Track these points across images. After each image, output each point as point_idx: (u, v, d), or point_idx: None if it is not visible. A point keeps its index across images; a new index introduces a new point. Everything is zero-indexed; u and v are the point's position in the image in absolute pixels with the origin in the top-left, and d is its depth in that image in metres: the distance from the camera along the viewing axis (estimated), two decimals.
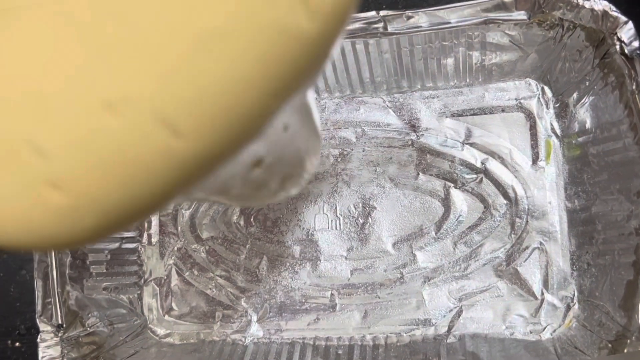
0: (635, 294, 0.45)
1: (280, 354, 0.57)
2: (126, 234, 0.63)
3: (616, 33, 0.47)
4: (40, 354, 0.53)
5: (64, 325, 0.54)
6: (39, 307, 0.54)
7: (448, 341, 0.55)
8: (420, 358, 0.54)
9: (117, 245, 0.63)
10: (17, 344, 0.65)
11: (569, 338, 0.52)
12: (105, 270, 0.61)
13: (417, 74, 0.58)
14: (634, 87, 0.45)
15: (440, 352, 0.54)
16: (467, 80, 0.58)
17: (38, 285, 0.54)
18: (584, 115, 0.52)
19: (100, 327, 0.58)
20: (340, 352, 0.57)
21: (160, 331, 0.62)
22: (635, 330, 0.43)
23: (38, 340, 0.53)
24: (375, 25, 0.52)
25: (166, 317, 0.62)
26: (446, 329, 0.56)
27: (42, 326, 0.53)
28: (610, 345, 0.46)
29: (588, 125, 0.52)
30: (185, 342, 0.61)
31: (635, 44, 0.46)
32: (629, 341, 0.44)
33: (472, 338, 0.55)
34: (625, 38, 0.46)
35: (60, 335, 0.54)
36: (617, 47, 0.46)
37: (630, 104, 0.46)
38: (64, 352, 0.53)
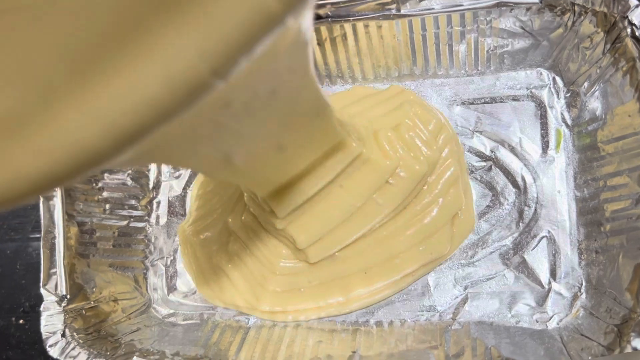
0: None
1: (283, 336, 0.57)
2: (135, 213, 0.64)
3: (627, 16, 0.47)
4: (43, 323, 0.53)
5: (68, 297, 0.54)
6: (43, 276, 0.54)
7: (453, 328, 0.55)
8: (424, 344, 0.53)
9: (125, 223, 0.63)
10: (21, 321, 0.65)
11: (576, 326, 0.51)
12: (112, 247, 0.61)
13: (430, 60, 0.58)
14: None
15: (444, 339, 0.53)
16: (479, 68, 0.58)
17: (44, 255, 0.54)
18: (594, 103, 0.52)
19: (104, 302, 0.58)
20: (343, 335, 0.56)
21: (164, 311, 0.62)
22: None
23: (41, 308, 0.53)
24: (389, 7, 0.53)
25: (171, 297, 0.62)
26: (451, 315, 0.56)
27: (46, 295, 0.53)
28: (616, 329, 0.45)
29: (598, 112, 0.52)
30: (188, 322, 0.60)
31: None
32: (634, 322, 0.43)
33: (477, 325, 0.54)
34: (636, 21, 0.46)
35: (63, 305, 0.54)
36: (629, 30, 0.47)
37: None
38: (66, 322, 0.53)
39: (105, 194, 0.61)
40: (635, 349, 0.42)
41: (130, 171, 0.64)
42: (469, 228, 0.57)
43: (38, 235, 0.56)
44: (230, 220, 0.59)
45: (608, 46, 0.49)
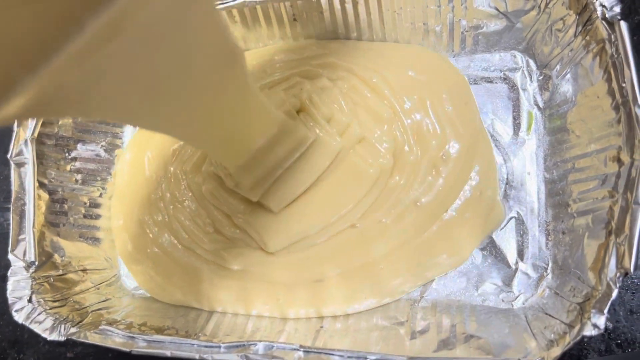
0: (605, 255, 0.45)
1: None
2: (107, 185, 0.64)
3: None
4: (10, 288, 0.52)
5: (37, 263, 0.54)
6: (12, 242, 0.53)
7: (420, 305, 0.55)
8: (390, 320, 0.54)
9: (97, 194, 0.63)
10: None
11: (541, 306, 0.51)
12: (83, 218, 0.61)
13: (405, 38, 0.59)
14: (613, 51, 0.46)
15: (410, 315, 0.54)
16: (454, 49, 0.59)
17: (14, 221, 0.54)
18: (565, 86, 0.53)
19: (73, 272, 0.58)
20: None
21: (133, 283, 0.62)
22: (603, 287, 0.43)
23: (8, 274, 0.53)
24: None
25: None
26: (418, 293, 0.56)
27: (14, 261, 0.53)
28: (578, 307, 0.46)
29: (569, 94, 0.52)
30: None
31: (617, 8, 0.46)
32: (594, 300, 0.43)
33: (444, 303, 0.55)
34: (607, 3, 0.47)
35: (31, 272, 0.53)
36: (599, 12, 0.47)
37: (610, 67, 0.46)
38: (33, 288, 0.53)
39: (77, 164, 0.61)
40: (595, 326, 0.42)
41: (103, 143, 0.64)
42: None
43: (9, 206, 0.56)
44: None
45: (580, 28, 0.50)
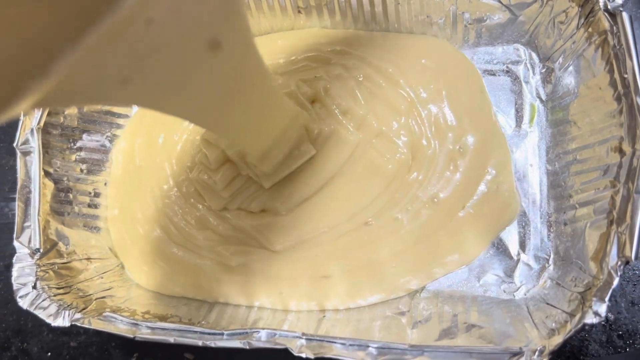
0: (607, 244, 0.45)
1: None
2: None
3: None
4: (15, 274, 0.53)
5: (41, 250, 0.54)
6: (17, 229, 0.54)
7: (422, 295, 0.55)
8: (392, 310, 0.54)
9: (103, 184, 0.63)
10: None
11: (542, 296, 0.52)
12: (87, 207, 0.61)
13: (408, 30, 0.59)
14: (615, 42, 0.46)
15: (412, 305, 0.54)
16: (457, 43, 0.59)
17: (19, 208, 0.54)
18: (568, 78, 0.53)
19: (77, 260, 0.58)
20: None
21: None
22: (604, 275, 0.44)
23: (14, 260, 0.53)
24: None
25: None
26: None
27: (19, 248, 0.54)
28: (580, 296, 0.46)
29: (572, 86, 0.53)
30: None
31: (619, 0, 0.47)
32: (595, 289, 0.44)
33: (445, 294, 0.55)
34: None
35: (36, 259, 0.54)
36: (601, 3, 0.47)
37: (612, 59, 0.47)
38: (38, 275, 0.53)
39: (83, 154, 0.62)
40: (596, 313, 0.42)
41: (108, 133, 0.64)
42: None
43: (14, 196, 0.56)
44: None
45: (582, 20, 0.50)
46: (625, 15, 0.46)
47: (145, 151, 0.64)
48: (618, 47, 0.46)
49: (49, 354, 0.62)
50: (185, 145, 0.62)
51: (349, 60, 0.59)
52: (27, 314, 0.51)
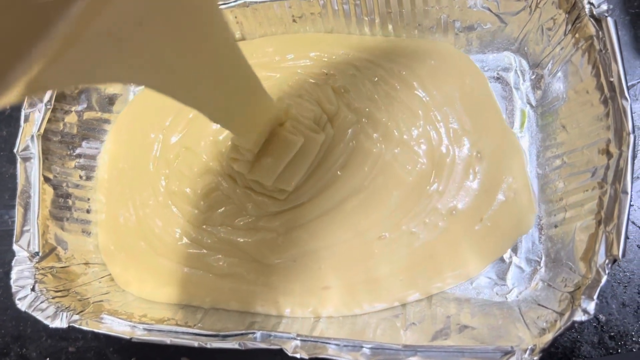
0: (595, 244, 0.46)
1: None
2: None
3: None
4: (14, 277, 0.54)
5: (40, 254, 0.55)
6: (16, 233, 0.55)
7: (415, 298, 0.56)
8: (386, 312, 0.55)
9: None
10: None
11: (534, 298, 0.52)
12: (85, 213, 0.62)
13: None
14: (600, 46, 0.47)
15: (405, 308, 0.55)
16: None
17: (19, 212, 0.55)
18: (557, 84, 0.54)
19: (76, 265, 0.59)
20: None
21: None
22: (592, 274, 0.44)
23: (12, 263, 0.54)
24: None
25: None
26: None
27: (18, 251, 0.55)
28: (570, 295, 0.47)
29: (561, 91, 0.54)
30: None
31: (604, 6, 0.48)
32: (584, 287, 0.44)
33: (439, 296, 0.55)
34: (594, 0, 0.48)
35: (35, 262, 0.54)
36: (587, 9, 0.49)
37: (598, 63, 0.48)
38: (36, 278, 0.54)
39: (82, 161, 0.63)
40: (584, 311, 0.43)
41: None
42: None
43: (14, 204, 0.57)
44: None
45: (569, 26, 0.51)
46: (610, 21, 0.47)
47: (126, 153, 0.63)
48: (604, 51, 0.47)
49: (48, 359, 0.62)
50: (164, 148, 0.62)
51: (357, 61, 0.59)
52: (26, 319, 0.52)
